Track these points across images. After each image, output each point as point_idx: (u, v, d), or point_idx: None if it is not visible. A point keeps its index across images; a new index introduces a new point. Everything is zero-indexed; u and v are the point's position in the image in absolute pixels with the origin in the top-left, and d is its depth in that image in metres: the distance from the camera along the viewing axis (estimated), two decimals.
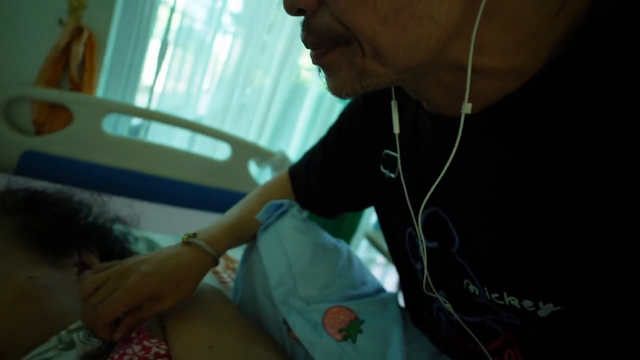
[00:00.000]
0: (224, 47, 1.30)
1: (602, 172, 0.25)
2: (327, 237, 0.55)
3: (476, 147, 0.31)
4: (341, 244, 0.56)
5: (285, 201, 0.55)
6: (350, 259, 0.53)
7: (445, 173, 0.31)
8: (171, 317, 0.41)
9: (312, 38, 0.28)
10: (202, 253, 0.45)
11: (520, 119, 0.28)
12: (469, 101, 0.28)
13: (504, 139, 0.29)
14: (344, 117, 0.53)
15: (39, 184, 0.54)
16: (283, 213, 0.54)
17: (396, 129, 0.38)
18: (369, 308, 0.45)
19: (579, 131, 0.26)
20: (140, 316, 0.39)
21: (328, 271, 0.49)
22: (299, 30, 0.30)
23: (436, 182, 0.32)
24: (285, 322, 0.45)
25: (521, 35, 0.27)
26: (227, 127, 1.31)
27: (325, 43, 0.28)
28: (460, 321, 0.38)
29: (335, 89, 0.30)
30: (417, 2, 0.25)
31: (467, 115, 0.29)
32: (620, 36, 0.25)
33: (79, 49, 0.94)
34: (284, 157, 1.26)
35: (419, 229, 0.37)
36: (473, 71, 0.28)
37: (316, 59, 0.30)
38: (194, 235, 0.46)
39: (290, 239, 0.51)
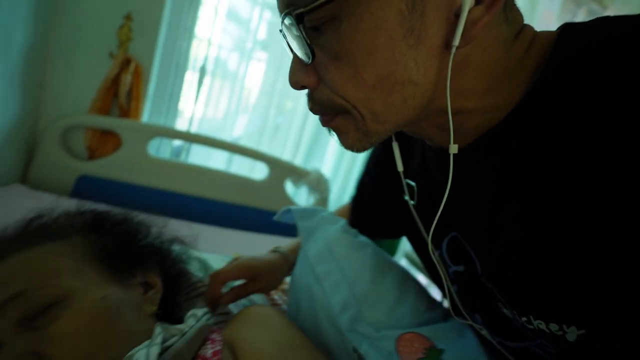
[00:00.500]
0: (255, 74, 1.35)
1: (586, 189, 0.26)
2: (384, 254, 0.55)
3: (471, 175, 0.35)
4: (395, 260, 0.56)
5: (310, 208, 0.57)
6: (410, 278, 0.52)
7: (455, 199, 0.35)
8: (239, 342, 0.41)
9: (317, 108, 0.33)
10: (285, 259, 0.57)
11: (501, 149, 0.32)
12: (456, 140, 0.33)
13: (490, 168, 0.33)
14: (370, 155, 0.60)
15: (100, 207, 0.56)
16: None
17: (400, 167, 0.44)
18: (445, 334, 0.43)
19: (555, 155, 0.28)
20: (245, 288, 0.52)
21: (391, 292, 0.48)
22: None
23: (439, 212, 0.35)
24: (355, 350, 0.43)
25: (496, 76, 0.31)
26: (263, 148, 1.34)
27: (329, 112, 0.33)
28: (498, 346, 0.37)
29: (347, 147, 0.35)
30: (397, 70, 0.29)
31: (459, 149, 0.33)
32: (585, 63, 0.28)
33: (127, 78, 1.01)
34: (319, 176, 1.26)
35: (435, 256, 0.40)
36: (458, 113, 0.32)
37: (324, 123, 0.35)
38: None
39: (347, 258, 0.50)
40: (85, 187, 1.06)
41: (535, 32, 0.33)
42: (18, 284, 0.41)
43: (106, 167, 1.08)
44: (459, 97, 0.31)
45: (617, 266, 0.26)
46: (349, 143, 0.34)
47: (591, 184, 0.26)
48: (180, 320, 0.46)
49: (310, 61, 0.30)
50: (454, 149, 0.33)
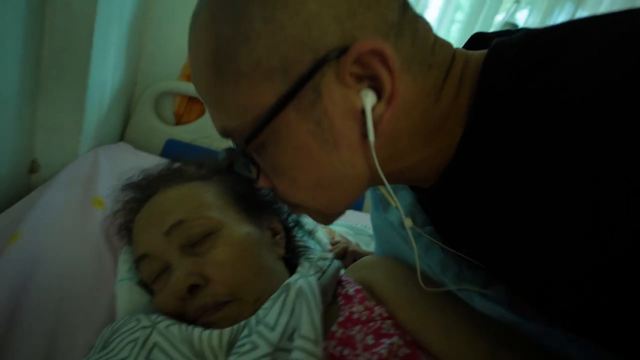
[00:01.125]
0: None
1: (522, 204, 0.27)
2: None
3: (442, 210, 0.38)
4: None
5: None
6: None
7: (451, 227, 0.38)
8: (376, 283, 0.43)
9: (283, 202, 0.37)
10: None
11: (454, 187, 0.33)
12: (421, 183, 0.36)
13: (450, 203, 0.35)
14: None
15: None
16: None
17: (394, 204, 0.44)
18: None
19: (497, 181, 0.29)
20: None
21: None
22: None
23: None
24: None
25: (431, 128, 0.32)
26: None
27: (292, 206, 0.37)
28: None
29: (320, 223, 0.40)
30: (326, 174, 0.32)
31: (424, 190, 0.36)
32: (506, 103, 0.28)
33: None
34: None
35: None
36: (405, 170, 0.34)
37: (293, 211, 0.44)
38: None
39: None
40: (172, 150, 1.12)
41: (466, 56, 0.33)
42: (177, 214, 0.46)
43: (191, 133, 1.14)
44: (400, 160, 0.33)
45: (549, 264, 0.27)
46: (319, 221, 0.39)
47: (526, 201, 0.27)
48: (294, 267, 0.49)
49: (256, 178, 0.35)
50: (407, 222, 0.37)
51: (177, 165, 0.58)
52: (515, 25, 1.48)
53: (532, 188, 0.26)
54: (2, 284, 0.48)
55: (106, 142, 0.97)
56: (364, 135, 0.31)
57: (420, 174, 0.35)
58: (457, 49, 0.34)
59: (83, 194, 0.70)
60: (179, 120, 1.14)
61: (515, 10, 1.58)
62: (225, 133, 0.34)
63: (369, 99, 0.29)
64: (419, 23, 0.32)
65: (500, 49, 0.30)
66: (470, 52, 0.33)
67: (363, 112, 0.30)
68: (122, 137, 1.10)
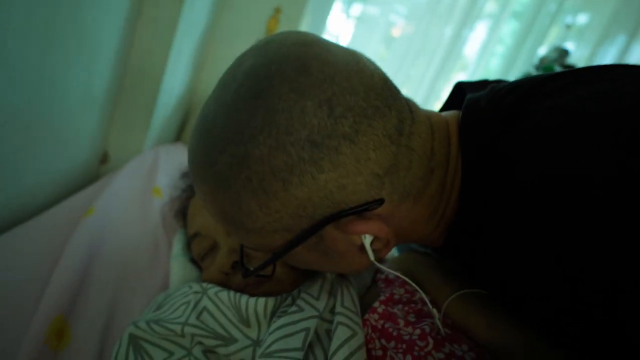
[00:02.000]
0: None
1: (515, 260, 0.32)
2: None
3: (452, 257, 0.42)
4: None
5: None
6: None
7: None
8: (418, 274, 0.46)
9: None
10: None
11: (457, 246, 0.38)
12: (431, 243, 0.41)
13: (455, 257, 0.41)
14: None
15: None
16: None
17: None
18: None
19: (489, 239, 0.34)
20: None
21: None
22: None
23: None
24: None
25: (431, 211, 0.36)
26: None
27: None
28: None
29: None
30: (334, 269, 0.40)
31: (439, 246, 0.40)
32: (490, 171, 0.33)
33: None
34: None
35: None
36: (416, 240, 0.40)
37: None
38: None
39: None
40: None
41: (445, 129, 0.36)
42: None
43: None
44: (406, 238, 0.38)
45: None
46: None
47: (509, 251, 0.33)
48: None
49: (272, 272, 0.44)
50: (435, 313, 0.39)
51: None
52: (564, 51, 1.47)
53: (513, 244, 0.32)
54: (77, 250, 0.56)
55: (166, 141, 1.08)
56: (364, 249, 0.35)
57: (426, 241, 0.40)
58: (448, 121, 0.37)
59: (145, 183, 0.79)
60: None
61: (562, 42, 1.56)
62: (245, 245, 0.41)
63: (367, 240, 0.34)
64: (414, 139, 0.33)
65: (472, 114, 0.36)
66: (450, 117, 0.38)
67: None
68: (178, 138, 1.21)
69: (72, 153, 0.73)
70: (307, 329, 0.37)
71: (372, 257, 0.35)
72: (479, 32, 1.66)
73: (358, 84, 0.30)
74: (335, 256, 0.36)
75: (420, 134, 0.34)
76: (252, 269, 0.37)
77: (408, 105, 0.34)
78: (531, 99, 0.33)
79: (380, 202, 0.32)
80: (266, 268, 0.36)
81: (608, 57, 1.53)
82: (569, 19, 1.60)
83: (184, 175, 0.64)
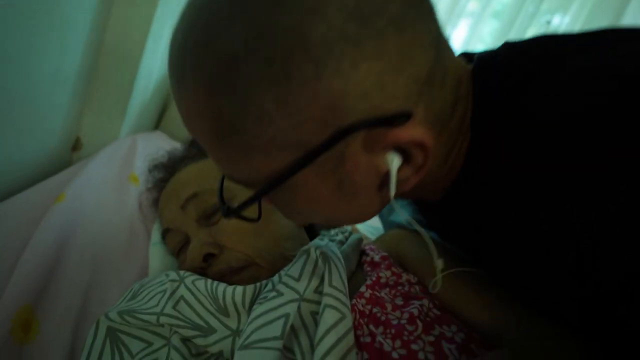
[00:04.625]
0: None
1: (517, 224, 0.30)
2: None
3: (445, 219, 0.39)
4: None
5: None
6: None
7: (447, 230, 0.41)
8: (403, 252, 0.45)
9: None
10: None
11: (458, 202, 0.34)
12: (434, 195, 0.36)
13: (454, 214, 0.36)
14: None
15: None
16: None
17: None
18: None
19: (494, 201, 0.31)
20: None
21: None
22: None
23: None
24: None
25: (443, 159, 0.32)
26: None
27: None
28: None
29: None
30: (340, 214, 0.32)
31: (435, 202, 0.36)
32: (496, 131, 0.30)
33: None
34: None
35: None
36: (421, 189, 0.34)
37: None
38: None
39: None
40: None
41: (464, 67, 0.32)
42: (192, 187, 0.49)
43: None
44: (414, 188, 0.32)
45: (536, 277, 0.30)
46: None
47: (516, 217, 0.30)
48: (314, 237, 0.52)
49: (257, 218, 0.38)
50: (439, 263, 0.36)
51: (198, 145, 0.62)
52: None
53: (523, 208, 0.29)
54: (46, 238, 0.52)
55: (144, 129, 1.04)
56: (384, 185, 0.30)
57: (428, 193, 0.36)
58: (465, 67, 0.33)
59: (122, 169, 0.75)
60: None
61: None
62: (231, 179, 0.31)
63: (395, 163, 0.27)
64: (448, 63, 0.29)
65: (485, 68, 0.32)
66: (467, 66, 0.33)
67: (388, 172, 0.28)
68: (157, 127, 1.17)
69: (40, 138, 0.69)
70: (286, 315, 0.35)
71: (393, 190, 0.28)
72: (461, 30, 1.69)
73: None
74: (348, 192, 0.29)
75: (451, 57, 0.30)
76: (235, 206, 0.30)
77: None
78: (558, 55, 0.29)
79: (408, 115, 0.26)
80: (252, 204, 0.28)
81: None
82: (547, 17, 1.65)
83: (154, 168, 0.61)
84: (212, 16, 0.24)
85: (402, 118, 0.26)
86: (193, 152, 0.60)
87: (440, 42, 0.28)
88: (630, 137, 0.24)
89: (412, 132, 0.26)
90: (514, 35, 1.67)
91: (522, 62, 0.31)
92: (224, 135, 0.26)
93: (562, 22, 1.72)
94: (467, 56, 0.35)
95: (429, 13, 0.28)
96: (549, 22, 1.62)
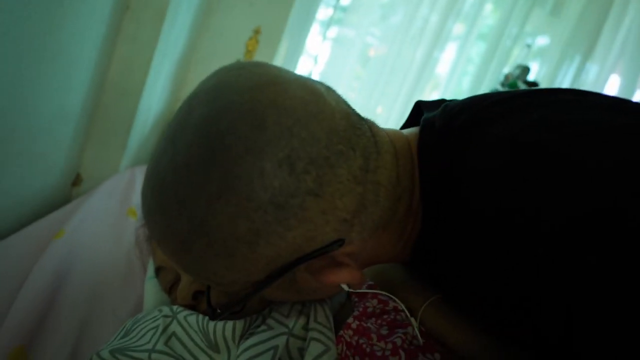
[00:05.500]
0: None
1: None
2: None
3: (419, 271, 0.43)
4: None
5: None
6: None
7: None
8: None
9: None
10: None
11: (423, 261, 0.38)
12: (400, 259, 0.40)
13: (422, 271, 0.42)
14: None
15: None
16: None
17: None
18: None
19: (449, 254, 0.35)
20: None
21: None
22: None
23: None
24: None
25: (399, 229, 0.36)
26: None
27: None
28: None
29: None
30: (310, 297, 0.40)
31: (406, 261, 0.40)
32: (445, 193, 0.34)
33: None
34: None
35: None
36: (392, 252, 0.38)
37: None
38: None
39: None
40: None
41: (408, 150, 0.36)
42: None
43: None
44: (377, 261, 0.39)
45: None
46: None
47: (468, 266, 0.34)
48: None
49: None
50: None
51: None
52: (526, 68, 1.58)
53: (468, 268, 0.33)
54: (43, 275, 0.53)
55: (142, 162, 1.05)
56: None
57: (395, 260, 0.41)
58: (410, 140, 0.37)
59: (120, 203, 0.76)
60: None
61: (524, 61, 1.68)
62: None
63: (338, 276, 0.33)
64: (379, 172, 0.33)
65: (427, 136, 0.37)
66: (411, 136, 0.38)
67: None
68: None
69: (43, 174, 0.70)
70: (275, 347, 0.37)
71: (346, 288, 0.36)
72: (449, 53, 1.74)
73: (319, 130, 0.29)
74: (309, 292, 0.36)
75: (385, 165, 0.33)
76: (218, 310, 0.35)
77: (372, 134, 0.33)
78: (480, 123, 0.34)
79: (341, 242, 0.31)
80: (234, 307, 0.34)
81: (568, 75, 1.69)
82: (529, 41, 1.73)
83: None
84: (165, 204, 0.30)
85: (335, 245, 0.31)
86: None
87: (369, 160, 0.32)
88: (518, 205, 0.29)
89: (346, 249, 0.32)
90: (500, 56, 1.74)
91: (454, 137, 0.35)
92: (195, 277, 0.34)
93: (544, 43, 1.79)
94: (420, 109, 0.41)
95: (354, 137, 0.31)
96: (529, 46, 1.70)
